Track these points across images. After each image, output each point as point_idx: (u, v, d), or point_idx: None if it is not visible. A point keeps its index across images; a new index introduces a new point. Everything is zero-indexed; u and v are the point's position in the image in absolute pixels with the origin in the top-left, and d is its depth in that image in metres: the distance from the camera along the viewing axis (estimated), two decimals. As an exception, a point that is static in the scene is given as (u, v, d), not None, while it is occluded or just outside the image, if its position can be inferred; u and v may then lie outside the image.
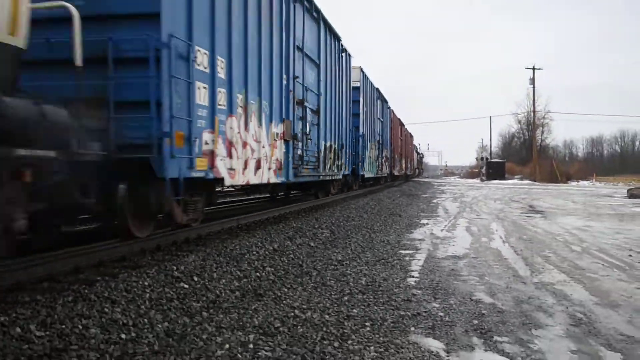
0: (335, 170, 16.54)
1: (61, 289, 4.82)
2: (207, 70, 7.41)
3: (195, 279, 5.57)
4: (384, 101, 29.29)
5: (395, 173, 38.13)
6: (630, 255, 8.64)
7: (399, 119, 39.82)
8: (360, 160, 21.68)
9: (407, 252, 8.74)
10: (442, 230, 11.93)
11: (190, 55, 6.90)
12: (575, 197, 27.61)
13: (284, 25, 10.73)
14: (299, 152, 11.96)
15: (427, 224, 13.23)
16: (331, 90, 15.47)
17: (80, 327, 3.93)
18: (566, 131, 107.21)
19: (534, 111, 67.40)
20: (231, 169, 8.26)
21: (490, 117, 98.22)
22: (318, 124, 13.83)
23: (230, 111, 8.14)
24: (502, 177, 62.95)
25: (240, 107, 8.53)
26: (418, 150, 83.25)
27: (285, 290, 5.75)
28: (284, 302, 5.29)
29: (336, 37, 15.98)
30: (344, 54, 17.17)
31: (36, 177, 4.51)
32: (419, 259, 8.08)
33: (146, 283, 5.13)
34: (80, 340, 3.75)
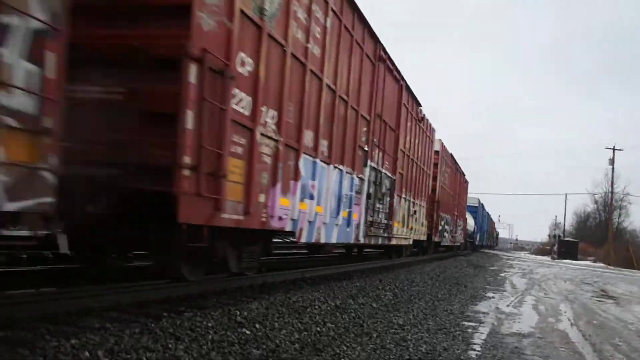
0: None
1: (128, 319, 4.99)
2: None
3: (257, 326, 5.64)
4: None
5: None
6: None
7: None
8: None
9: (470, 324, 8.56)
10: (507, 305, 11.62)
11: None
12: (652, 285, 26.39)
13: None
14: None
15: (493, 297, 12.92)
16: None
17: (145, 359, 4.05)
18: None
19: (612, 192, 65.47)
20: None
21: (566, 194, 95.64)
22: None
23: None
24: (574, 257, 60.88)
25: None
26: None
27: (345, 348, 5.73)
28: (342, 359, 5.28)
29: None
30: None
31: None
32: (482, 332, 7.90)
33: (210, 324, 5.23)
34: (144, 372, 3.86)
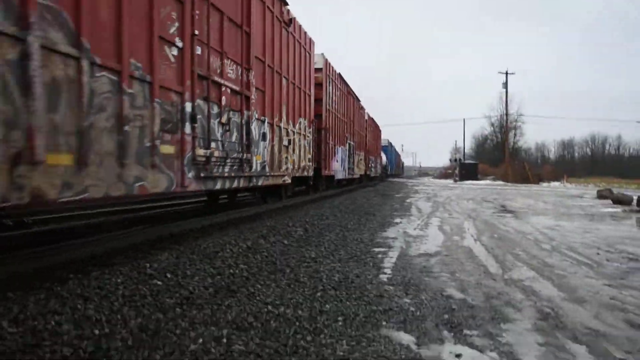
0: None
1: (34, 286, 4.81)
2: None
3: (169, 275, 5.58)
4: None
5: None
6: (598, 253, 8.82)
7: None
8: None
9: (380, 249, 8.81)
10: (414, 228, 12.03)
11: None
12: (546, 197, 27.99)
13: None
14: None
15: (400, 222, 13.33)
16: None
17: (53, 323, 3.93)
18: (539, 134, 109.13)
19: (506, 114, 68.27)
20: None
21: (464, 119, 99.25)
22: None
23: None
24: (475, 178, 63.60)
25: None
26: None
27: (259, 286, 5.78)
28: (257, 298, 5.32)
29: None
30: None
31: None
32: (392, 257, 8.16)
33: (119, 280, 5.13)
34: (53, 336, 3.75)
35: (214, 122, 8.79)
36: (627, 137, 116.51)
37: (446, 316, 5.01)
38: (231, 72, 9.72)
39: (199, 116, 8.12)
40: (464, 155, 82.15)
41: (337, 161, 23.10)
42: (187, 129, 7.63)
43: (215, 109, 8.84)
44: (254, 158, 10.91)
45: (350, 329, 4.52)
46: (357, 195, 22.62)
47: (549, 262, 8.00)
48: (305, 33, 15.82)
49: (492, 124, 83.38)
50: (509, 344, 4.28)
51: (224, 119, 9.18)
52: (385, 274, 6.86)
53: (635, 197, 21.65)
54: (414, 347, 4.18)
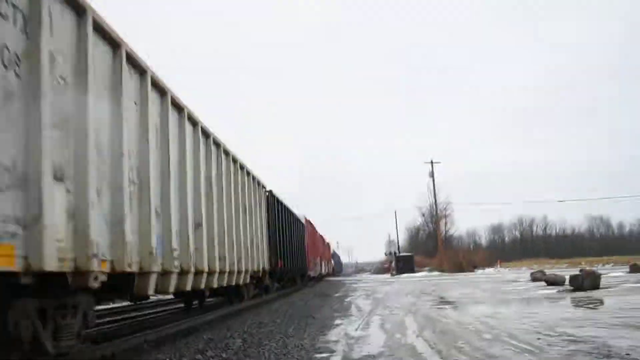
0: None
1: None
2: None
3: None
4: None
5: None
6: (538, 339, 8.82)
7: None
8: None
9: (322, 355, 8.55)
10: (356, 329, 11.81)
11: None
12: (483, 284, 28.34)
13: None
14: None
15: (341, 324, 13.09)
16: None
17: None
18: (469, 220, 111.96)
19: (435, 204, 70.02)
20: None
21: (395, 211, 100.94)
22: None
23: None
24: (412, 270, 63.99)
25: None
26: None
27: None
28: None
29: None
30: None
31: None
32: (334, 362, 7.92)
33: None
34: None
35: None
36: (552, 217, 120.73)
37: (394, 423, 4.80)
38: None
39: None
40: (398, 247, 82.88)
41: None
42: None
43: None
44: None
45: None
46: (294, 298, 22.27)
47: (492, 352, 7.92)
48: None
49: (423, 214, 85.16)
50: None
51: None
52: (329, 381, 6.62)
53: (567, 277, 22.15)
54: None
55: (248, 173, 17.14)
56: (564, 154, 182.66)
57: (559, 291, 19.50)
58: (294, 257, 28.18)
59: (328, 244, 65.36)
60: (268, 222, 20.65)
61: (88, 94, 6.53)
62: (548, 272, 29.94)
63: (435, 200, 69.03)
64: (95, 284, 6.33)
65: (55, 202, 5.69)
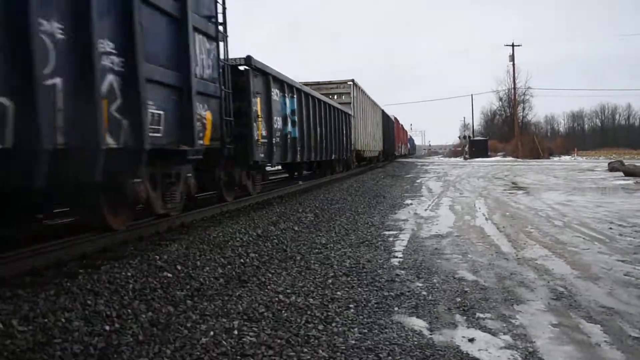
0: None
1: (43, 282, 4.81)
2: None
3: (179, 267, 5.56)
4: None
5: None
6: (610, 228, 8.74)
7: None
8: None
9: (390, 232, 8.78)
10: (425, 209, 11.98)
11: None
12: (558, 172, 27.85)
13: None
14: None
15: (411, 204, 13.28)
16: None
17: (64, 320, 3.92)
18: (547, 107, 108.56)
19: (514, 88, 67.82)
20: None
21: (472, 95, 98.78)
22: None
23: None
24: (485, 155, 63.21)
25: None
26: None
27: (270, 275, 5.77)
28: (268, 287, 5.31)
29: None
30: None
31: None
32: (403, 239, 8.13)
33: (129, 274, 5.12)
34: (64, 333, 3.74)
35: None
36: (637, 106, 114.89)
37: (458, 299, 4.97)
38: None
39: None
40: (472, 132, 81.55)
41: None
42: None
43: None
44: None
45: (361, 316, 4.49)
46: (365, 177, 22.54)
47: (562, 239, 7.93)
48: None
49: (501, 99, 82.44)
50: (522, 326, 4.24)
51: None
52: (397, 257, 6.83)
53: (647, 168, 21.45)
54: (426, 332, 4.14)
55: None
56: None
57: (636, 182, 18.96)
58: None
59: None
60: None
61: None
62: (627, 162, 29.00)
63: (514, 85, 66.69)
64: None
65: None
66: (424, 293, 5.18)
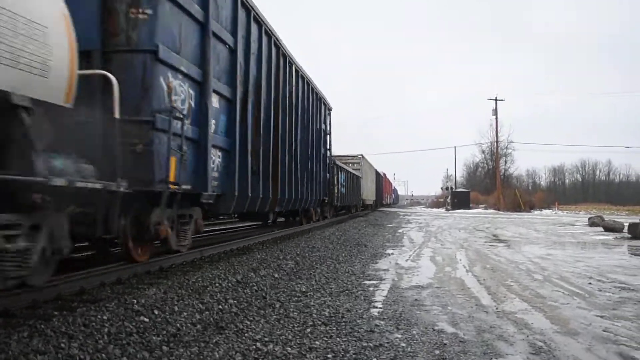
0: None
1: (16, 323, 4.71)
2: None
3: (156, 312, 5.48)
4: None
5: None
6: (590, 283, 8.77)
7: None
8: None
9: (371, 282, 8.74)
10: (406, 260, 11.97)
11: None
12: (538, 225, 28.03)
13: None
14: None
15: (392, 254, 13.27)
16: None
17: (36, 363, 3.84)
18: (529, 161, 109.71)
19: (497, 141, 68.71)
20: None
21: (455, 147, 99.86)
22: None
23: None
24: (467, 207, 63.62)
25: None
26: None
27: (248, 322, 5.70)
28: (246, 334, 5.24)
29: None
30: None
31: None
32: (383, 289, 8.09)
33: (105, 317, 5.04)
34: (35, 377, 3.66)
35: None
36: (616, 163, 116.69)
37: (437, 352, 4.93)
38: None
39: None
40: (455, 183, 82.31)
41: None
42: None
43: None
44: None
45: (339, 366, 4.44)
46: (347, 226, 22.53)
47: (541, 293, 7.95)
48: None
49: (483, 151, 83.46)
50: (501, 381, 4.21)
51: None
52: (377, 307, 6.79)
53: (626, 224, 21.67)
54: (404, 385, 4.10)
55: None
56: (634, 102, 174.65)
57: (615, 238, 19.14)
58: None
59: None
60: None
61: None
62: (607, 218, 29.29)
63: (497, 138, 67.68)
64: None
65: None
66: (403, 344, 5.14)
